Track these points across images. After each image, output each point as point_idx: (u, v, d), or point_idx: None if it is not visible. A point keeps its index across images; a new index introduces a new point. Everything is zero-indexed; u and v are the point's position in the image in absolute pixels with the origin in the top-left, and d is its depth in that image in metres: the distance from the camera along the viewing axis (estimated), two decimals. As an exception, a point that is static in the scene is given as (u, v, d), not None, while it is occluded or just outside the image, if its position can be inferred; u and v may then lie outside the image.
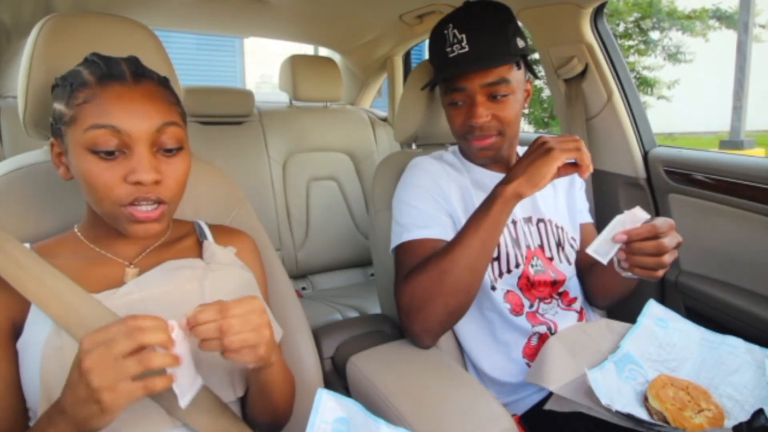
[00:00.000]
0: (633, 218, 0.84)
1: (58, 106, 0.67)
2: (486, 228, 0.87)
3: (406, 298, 0.93)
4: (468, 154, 1.09)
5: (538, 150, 0.86)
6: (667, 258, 0.82)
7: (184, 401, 0.57)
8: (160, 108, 0.67)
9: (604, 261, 0.84)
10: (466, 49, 0.96)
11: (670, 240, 0.82)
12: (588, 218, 1.19)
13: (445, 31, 0.99)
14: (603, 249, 0.84)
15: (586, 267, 1.13)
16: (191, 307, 0.67)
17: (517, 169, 0.87)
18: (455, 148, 1.14)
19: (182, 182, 0.71)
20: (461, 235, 0.89)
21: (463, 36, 0.96)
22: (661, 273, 0.85)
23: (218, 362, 0.71)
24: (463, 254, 0.87)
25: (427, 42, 2.51)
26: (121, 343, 0.52)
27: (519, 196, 0.86)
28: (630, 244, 0.84)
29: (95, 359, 0.51)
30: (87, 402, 0.52)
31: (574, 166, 0.86)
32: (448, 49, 0.98)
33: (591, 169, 0.86)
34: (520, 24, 1.13)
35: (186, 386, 0.58)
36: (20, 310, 0.66)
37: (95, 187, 0.65)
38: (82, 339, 0.53)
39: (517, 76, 0.99)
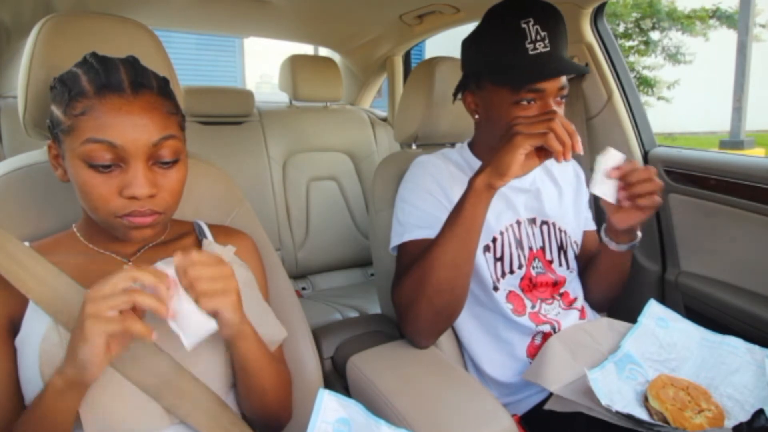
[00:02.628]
0: (612, 157, 0.90)
1: (56, 112, 0.66)
2: (462, 224, 0.85)
3: (396, 299, 0.94)
4: None
5: (505, 137, 0.81)
6: (658, 198, 0.89)
7: (188, 341, 0.59)
8: (158, 121, 0.66)
9: (611, 199, 0.90)
10: (548, 49, 0.90)
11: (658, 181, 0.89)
12: (592, 226, 1.19)
13: (524, 25, 0.90)
14: (604, 189, 0.90)
15: (582, 263, 1.13)
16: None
17: (488, 159, 0.83)
18: (462, 145, 1.12)
19: (178, 193, 0.71)
20: (440, 233, 0.88)
21: (545, 34, 0.90)
22: (651, 212, 0.92)
23: (214, 359, 0.72)
24: (441, 252, 0.86)
25: (427, 42, 2.52)
26: (119, 281, 0.57)
27: (491, 187, 0.82)
28: (631, 186, 0.88)
29: (95, 293, 0.57)
30: (75, 331, 0.57)
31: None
32: (529, 45, 0.90)
33: (571, 154, 0.77)
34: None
35: (190, 329, 0.60)
36: (18, 307, 0.67)
37: (90, 198, 0.65)
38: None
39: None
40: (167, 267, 0.61)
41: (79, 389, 0.60)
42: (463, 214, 0.84)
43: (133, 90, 0.65)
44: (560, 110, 0.93)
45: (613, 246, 1.02)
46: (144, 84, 0.67)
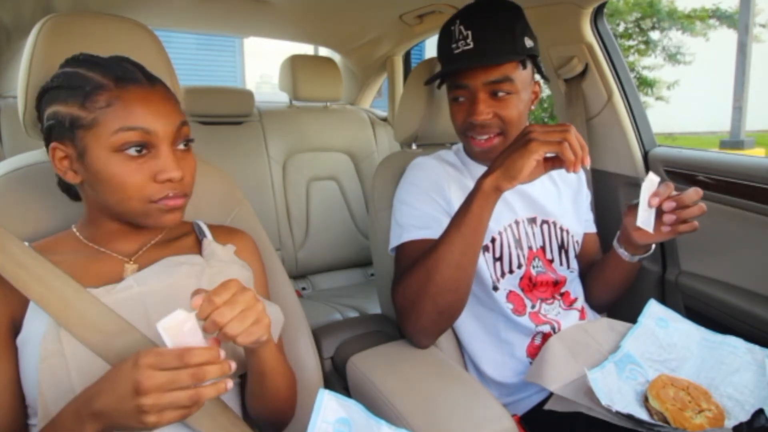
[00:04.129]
0: (651, 184, 0.91)
1: (66, 110, 0.66)
2: (468, 224, 0.85)
3: (398, 299, 0.94)
4: (470, 153, 1.08)
5: (519, 141, 0.82)
6: (697, 224, 0.91)
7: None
8: (175, 108, 0.71)
9: (651, 229, 0.90)
10: (471, 46, 0.95)
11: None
12: (592, 228, 1.19)
13: (452, 28, 0.98)
14: (643, 219, 0.90)
15: (586, 264, 1.13)
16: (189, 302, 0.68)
17: (497, 161, 0.84)
18: (458, 147, 1.13)
19: (194, 177, 0.74)
20: (445, 233, 0.88)
21: (469, 33, 0.94)
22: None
23: None
24: (446, 252, 0.86)
25: (427, 42, 2.52)
26: (184, 379, 0.54)
27: (498, 190, 0.83)
28: (680, 210, 0.89)
29: (155, 383, 0.53)
30: (130, 415, 0.55)
31: (561, 161, 0.80)
32: (453, 46, 0.97)
33: (581, 166, 0.78)
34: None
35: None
36: (19, 306, 0.67)
37: (125, 187, 0.67)
38: (138, 356, 0.55)
39: (522, 75, 0.97)
40: (185, 317, 0.56)
41: None
42: (470, 215, 0.85)
43: (149, 81, 0.69)
44: (501, 107, 0.96)
45: (626, 257, 1.02)
46: (153, 77, 0.71)
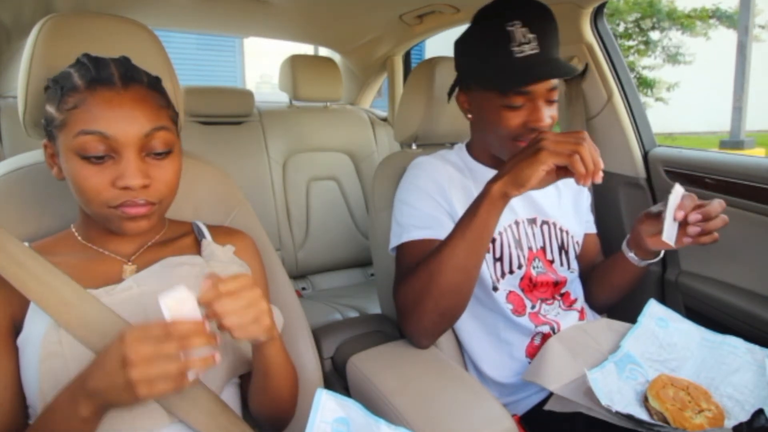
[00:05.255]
0: (677, 196, 0.91)
1: (50, 109, 0.67)
2: (474, 228, 0.84)
3: (400, 299, 0.94)
4: (502, 155, 1.01)
5: (529, 149, 0.80)
6: (717, 235, 0.90)
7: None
8: (148, 113, 0.67)
9: (672, 242, 0.90)
10: (537, 51, 0.89)
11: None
12: (593, 229, 1.19)
13: (510, 28, 0.89)
14: (670, 232, 0.90)
15: (587, 265, 1.13)
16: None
17: (506, 167, 0.82)
18: (460, 147, 1.13)
19: (172, 184, 0.71)
20: (450, 235, 0.87)
21: (534, 36, 0.89)
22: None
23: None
24: (451, 255, 0.85)
25: (427, 42, 2.52)
26: (169, 347, 0.55)
27: (506, 196, 0.82)
28: (706, 222, 0.88)
29: (141, 355, 0.54)
30: (122, 389, 0.55)
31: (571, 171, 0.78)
32: (516, 48, 0.89)
33: (590, 180, 0.76)
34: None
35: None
36: (20, 307, 0.67)
37: (83, 189, 0.66)
38: (123, 331, 0.56)
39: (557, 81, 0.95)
40: (186, 295, 0.57)
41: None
42: (476, 220, 0.84)
43: (123, 83, 0.67)
44: (552, 111, 0.94)
45: (636, 261, 1.02)
46: (134, 78, 0.68)
